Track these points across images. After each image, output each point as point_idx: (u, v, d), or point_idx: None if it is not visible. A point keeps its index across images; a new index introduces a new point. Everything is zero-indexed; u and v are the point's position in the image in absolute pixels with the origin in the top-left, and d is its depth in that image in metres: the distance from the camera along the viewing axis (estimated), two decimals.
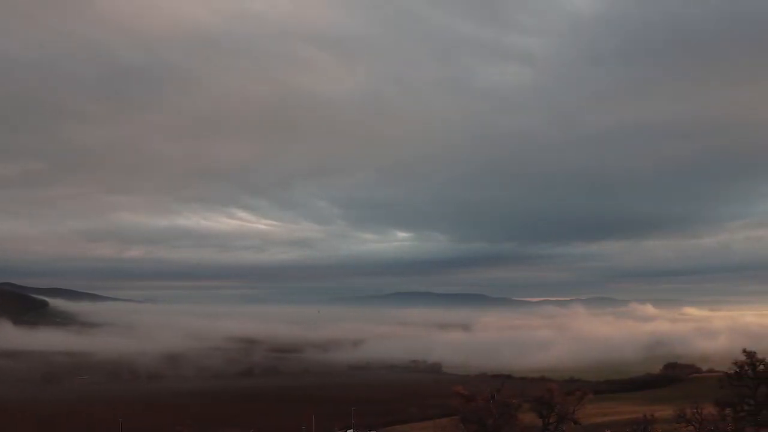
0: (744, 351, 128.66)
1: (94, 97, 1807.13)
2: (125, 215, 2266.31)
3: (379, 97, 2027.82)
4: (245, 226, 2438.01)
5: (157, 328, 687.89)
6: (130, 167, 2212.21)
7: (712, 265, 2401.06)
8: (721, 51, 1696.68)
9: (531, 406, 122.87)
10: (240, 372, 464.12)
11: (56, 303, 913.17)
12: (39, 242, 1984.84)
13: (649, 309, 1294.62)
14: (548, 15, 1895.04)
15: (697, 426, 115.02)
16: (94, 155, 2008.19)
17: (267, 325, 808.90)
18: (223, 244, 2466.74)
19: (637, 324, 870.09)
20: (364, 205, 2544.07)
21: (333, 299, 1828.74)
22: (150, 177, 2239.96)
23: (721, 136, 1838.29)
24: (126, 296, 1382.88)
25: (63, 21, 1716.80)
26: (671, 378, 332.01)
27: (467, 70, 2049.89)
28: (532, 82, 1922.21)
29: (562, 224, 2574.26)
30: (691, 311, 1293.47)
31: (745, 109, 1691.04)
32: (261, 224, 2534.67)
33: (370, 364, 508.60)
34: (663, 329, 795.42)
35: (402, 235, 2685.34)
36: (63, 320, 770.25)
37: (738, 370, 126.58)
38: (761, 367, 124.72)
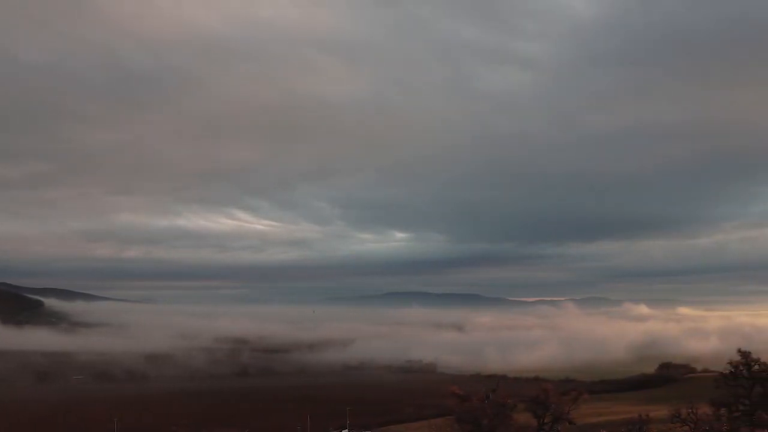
0: (739, 351, 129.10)
1: (100, 99, 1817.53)
2: (125, 216, 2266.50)
3: (382, 99, 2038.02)
4: (244, 226, 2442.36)
5: (153, 328, 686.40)
6: (133, 169, 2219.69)
7: (707, 266, 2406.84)
8: (719, 54, 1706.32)
9: (526, 406, 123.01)
10: (235, 372, 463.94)
11: (52, 303, 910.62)
12: (38, 242, 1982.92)
13: (643, 309, 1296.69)
14: (549, 19, 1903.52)
15: (693, 426, 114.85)
16: (98, 157, 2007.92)
17: (262, 324, 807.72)
18: (221, 244, 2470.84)
19: (631, 324, 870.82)
20: (364, 206, 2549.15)
21: (328, 299, 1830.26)
22: (152, 178, 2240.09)
23: (718, 137, 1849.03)
24: (123, 296, 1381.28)
25: (73, 25, 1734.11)
26: (666, 378, 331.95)
27: (469, 73, 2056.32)
28: (532, 85, 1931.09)
29: (559, 225, 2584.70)
30: (686, 311, 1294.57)
31: (743, 111, 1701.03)
32: (260, 225, 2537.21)
33: (365, 364, 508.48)
34: (657, 329, 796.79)
35: (400, 235, 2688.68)
36: (58, 320, 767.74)
37: (733, 370, 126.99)
38: (756, 367, 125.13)
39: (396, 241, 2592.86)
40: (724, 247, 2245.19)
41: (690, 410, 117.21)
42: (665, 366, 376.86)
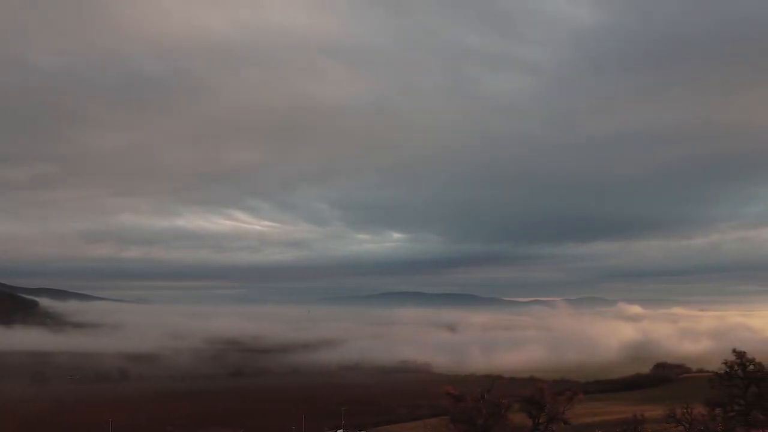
0: (734, 351, 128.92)
1: (111, 103, 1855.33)
2: (127, 217, 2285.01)
3: (385, 102, 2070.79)
4: (243, 227, 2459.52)
5: (148, 328, 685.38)
6: (137, 171, 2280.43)
7: (703, 266, 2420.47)
8: (716, 59, 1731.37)
9: (521, 406, 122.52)
10: (229, 372, 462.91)
11: (47, 303, 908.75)
12: (37, 243, 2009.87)
13: (638, 309, 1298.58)
14: (550, 25, 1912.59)
15: (687, 426, 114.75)
16: (105, 159, 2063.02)
17: (258, 324, 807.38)
18: (220, 245, 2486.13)
19: (625, 324, 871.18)
20: (363, 207, 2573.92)
21: (324, 299, 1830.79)
22: (154, 179, 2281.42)
23: (715, 140, 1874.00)
24: (120, 296, 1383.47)
25: (83, 30, 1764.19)
26: (661, 378, 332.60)
27: (471, 78, 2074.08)
28: (533, 88, 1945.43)
29: (556, 225, 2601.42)
30: (680, 311, 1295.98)
31: (740, 115, 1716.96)
32: (259, 225, 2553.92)
33: (360, 364, 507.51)
34: (651, 329, 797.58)
35: (397, 236, 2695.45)
36: (52, 320, 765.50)
37: (728, 370, 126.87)
38: (751, 367, 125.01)
39: (393, 242, 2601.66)
40: (719, 248, 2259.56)
41: (685, 410, 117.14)
42: (660, 366, 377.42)
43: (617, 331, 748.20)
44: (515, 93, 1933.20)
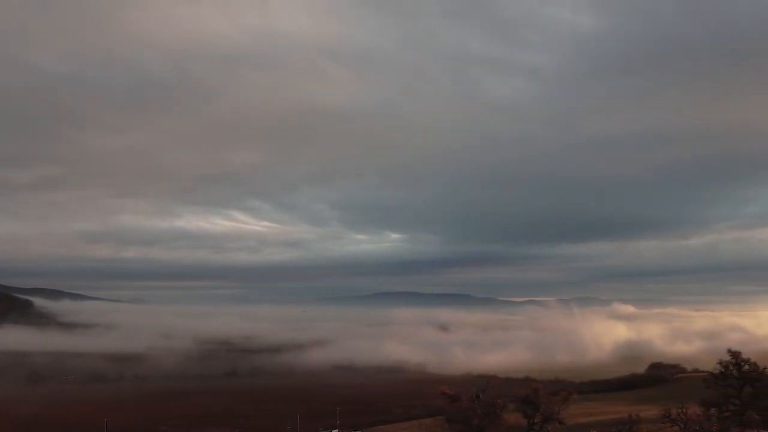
0: (729, 351, 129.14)
1: (118, 107, 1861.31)
2: (127, 217, 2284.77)
3: (387, 105, 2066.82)
4: (242, 227, 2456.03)
5: (143, 328, 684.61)
6: (141, 172, 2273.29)
7: (699, 266, 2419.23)
8: (713, 64, 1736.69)
9: (516, 406, 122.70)
10: (224, 372, 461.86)
11: (42, 303, 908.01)
12: (37, 243, 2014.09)
13: (632, 309, 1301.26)
14: (552, 30, 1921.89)
15: (683, 426, 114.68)
16: (107, 161, 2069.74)
17: (253, 324, 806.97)
18: (219, 245, 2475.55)
19: (619, 324, 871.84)
20: (362, 208, 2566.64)
21: (320, 299, 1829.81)
22: (157, 181, 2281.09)
23: (712, 142, 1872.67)
24: (117, 296, 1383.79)
25: (95, 35, 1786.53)
26: (656, 378, 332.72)
27: (472, 81, 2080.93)
28: (532, 91, 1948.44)
29: (553, 225, 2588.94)
30: (675, 311, 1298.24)
31: (736, 118, 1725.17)
32: (258, 226, 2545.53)
33: (355, 364, 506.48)
34: (645, 329, 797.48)
35: (395, 236, 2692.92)
36: (47, 320, 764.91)
37: (723, 370, 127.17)
38: (746, 367, 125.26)
39: (391, 242, 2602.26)
40: (716, 248, 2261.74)
41: (680, 410, 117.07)
42: (655, 366, 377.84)
43: (611, 331, 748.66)
44: (515, 95, 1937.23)
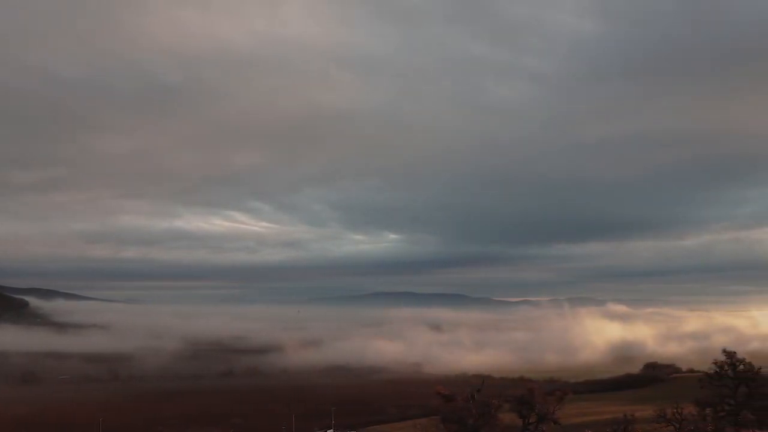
0: (724, 351, 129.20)
1: (127, 111, 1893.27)
2: (128, 218, 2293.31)
3: (389, 108, 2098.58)
4: (241, 228, 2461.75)
5: (139, 328, 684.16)
6: (145, 174, 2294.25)
7: (695, 266, 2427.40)
8: (710, 69, 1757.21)
9: (511, 406, 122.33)
10: (219, 372, 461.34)
11: (38, 303, 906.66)
12: (37, 243, 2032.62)
13: (626, 309, 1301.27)
14: (553, 35, 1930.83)
15: (678, 426, 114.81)
16: (114, 163, 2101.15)
17: (248, 324, 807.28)
18: (218, 245, 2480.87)
19: (613, 323, 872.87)
20: (362, 209, 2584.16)
21: (315, 299, 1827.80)
22: (161, 182, 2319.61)
23: (709, 144, 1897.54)
24: (112, 297, 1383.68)
25: (111, 43, 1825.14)
26: (651, 378, 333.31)
27: (473, 84, 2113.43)
28: (533, 94, 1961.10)
29: (550, 226, 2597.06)
30: (670, 311, 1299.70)
31: (733, 120, 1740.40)
32: (257, 227, 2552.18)
33: (349, 363, 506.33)
34: (639, 329, 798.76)
35: (393, 236, 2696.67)
36: (43, 320, 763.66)
37: (718, 369, 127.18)
38: (741, 367, 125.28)
39: (388, 242, 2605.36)
40: (712, 248, 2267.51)
41: (675, 410, 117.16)
42: (650, 366, 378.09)
43: (606, 331, 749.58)
44: (515, 98, 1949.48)
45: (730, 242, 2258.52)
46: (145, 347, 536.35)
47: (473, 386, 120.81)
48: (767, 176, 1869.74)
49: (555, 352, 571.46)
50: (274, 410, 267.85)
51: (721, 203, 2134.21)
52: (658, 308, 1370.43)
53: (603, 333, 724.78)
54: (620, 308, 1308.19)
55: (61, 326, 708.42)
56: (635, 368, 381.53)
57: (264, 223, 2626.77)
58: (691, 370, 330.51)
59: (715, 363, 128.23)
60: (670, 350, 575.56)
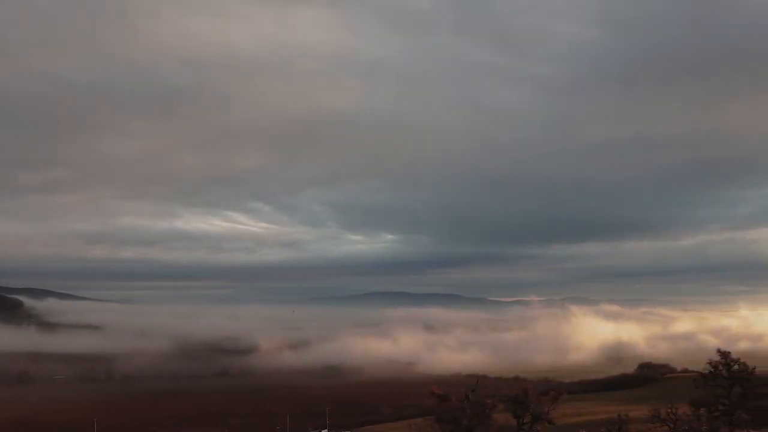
0: (718, 351, 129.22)
1: (135, 114, 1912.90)
2: (129, 219, 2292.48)
3: (390, 110, 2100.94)
4: (239, 228, 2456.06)
5: (135, 328, 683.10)
6: (148, 175, 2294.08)
7: (690, 266, 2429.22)
8: (707, 73, 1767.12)
9: (505, 406, 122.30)
10: (214, 372, 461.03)
11: (32, 303, 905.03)
12: (36, 244, 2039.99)
13: (620, 309, 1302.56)
14: (554, 40, 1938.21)
15: (672, 426, 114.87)
16: (119, 165, 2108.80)
17: (243, 324, 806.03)
18: (216, 246, 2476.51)
19: (607, 323, 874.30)
20: (361, 210, 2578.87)
21: (310, 299, 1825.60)
22: (164, 184, 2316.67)
23: (705, 146, 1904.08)
24: (107, 297, 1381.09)
25: (121, 47, 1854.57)
26: (646, 378, 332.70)
27: (474, 88, 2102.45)
28: (534, 98, 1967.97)
29: (547, 227, 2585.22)
30: (663, 311, 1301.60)
31: (729, 122, 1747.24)
32: (256, 227, 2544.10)
33: (344, 364, 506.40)
34: (632, 329, 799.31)
35: (389, 237, 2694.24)
36: (38, 320, 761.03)
37: (713, 370, 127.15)
38: (736, 367, 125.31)
39: (385, 243, 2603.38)
40: (707, 249, 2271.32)
41: (669, 410, 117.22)
42: (645, 366, 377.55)
43: (600, 331, 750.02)
44: (514, 100, 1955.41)
45: (726, 243, 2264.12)
46: (138, 347, 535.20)
47: (468, 386, 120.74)
48: (763, 177, 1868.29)
49: (549, 352, 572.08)
50: (269, 410, 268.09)
51: (717, 204, 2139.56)
52: (653, 308, 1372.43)
53: (597, 333, 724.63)
54: (614, 308, 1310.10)
55: (53, 326, 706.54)
56: (629, 368, 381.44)
57: (262, 224, 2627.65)
58: (686, 370, 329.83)
59: (710, 363, 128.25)
60: (664, 350, 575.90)
